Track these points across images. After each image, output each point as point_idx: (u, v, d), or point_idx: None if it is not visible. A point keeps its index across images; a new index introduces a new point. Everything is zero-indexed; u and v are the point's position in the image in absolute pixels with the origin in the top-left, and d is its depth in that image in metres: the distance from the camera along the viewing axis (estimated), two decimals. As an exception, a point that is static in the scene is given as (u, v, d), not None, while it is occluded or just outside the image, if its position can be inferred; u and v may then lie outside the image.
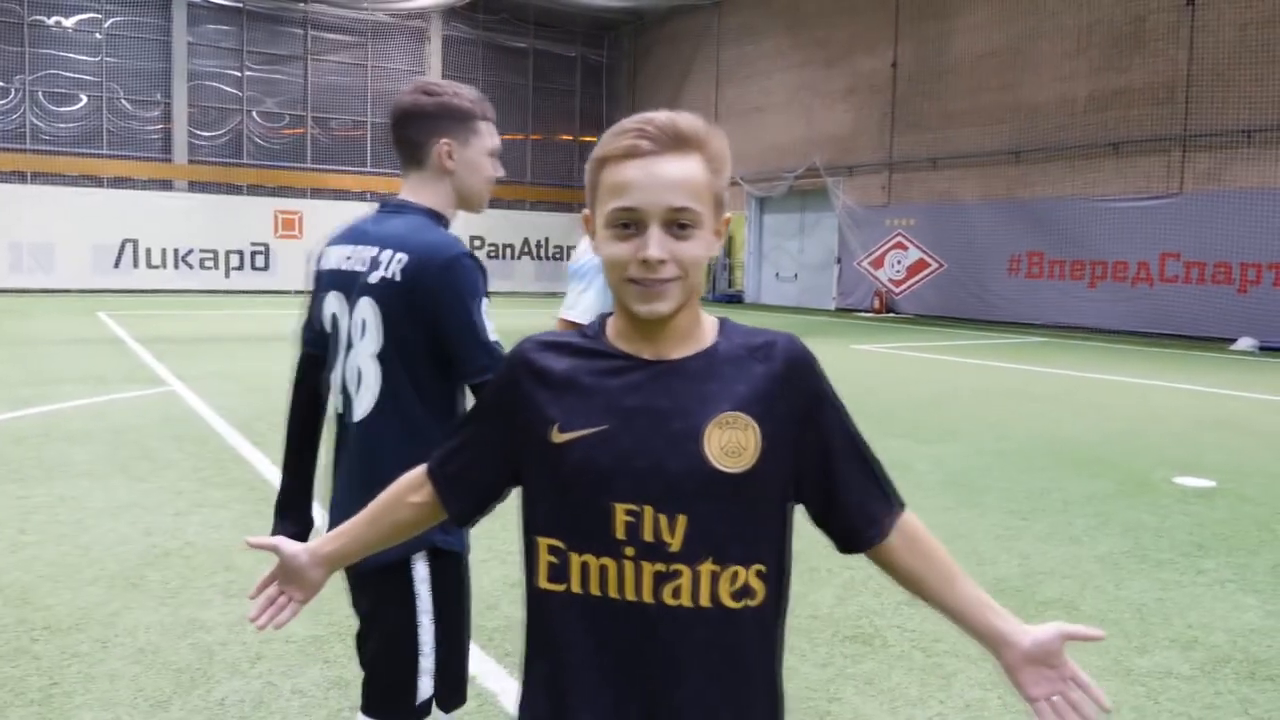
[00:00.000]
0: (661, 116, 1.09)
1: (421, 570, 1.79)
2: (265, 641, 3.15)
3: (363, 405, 1.79)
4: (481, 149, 1.89)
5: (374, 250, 1.78)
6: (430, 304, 1.72)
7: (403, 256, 1.75)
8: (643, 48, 29.65)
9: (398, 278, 1.73)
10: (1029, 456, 6.44)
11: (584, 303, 3.51)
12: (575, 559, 1.09)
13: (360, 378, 1.78)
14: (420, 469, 1.27)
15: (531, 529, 1.14)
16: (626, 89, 29.92)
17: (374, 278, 1.75)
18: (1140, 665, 3.16)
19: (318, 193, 26.50)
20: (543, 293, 28.14)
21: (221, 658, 3.02)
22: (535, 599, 1.14)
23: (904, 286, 21.69)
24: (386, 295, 1.74)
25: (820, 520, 1.18)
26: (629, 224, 1.07)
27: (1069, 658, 1.13)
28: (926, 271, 21.08)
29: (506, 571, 3.92)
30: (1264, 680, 3.06)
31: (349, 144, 27.30)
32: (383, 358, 1.76)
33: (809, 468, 1.14)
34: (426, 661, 1.81)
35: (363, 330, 1.77)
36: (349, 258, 1.82)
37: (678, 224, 1.07)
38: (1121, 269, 17.22)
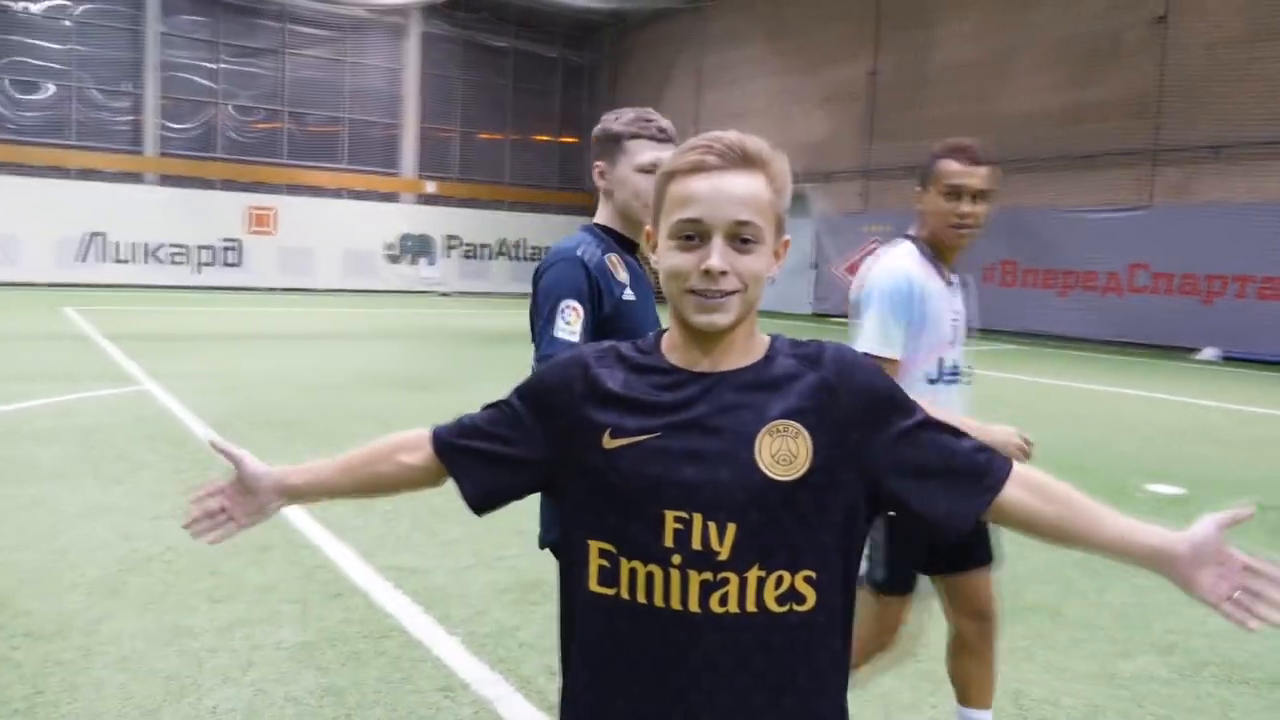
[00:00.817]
0: (730, 135, 1.11)
1: None
2: (255, 648, 3.11)
3: None
4: (629, 166, 1.99)
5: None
6: (536, 298, 1.93)
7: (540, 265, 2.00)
8: (624, 50, 29.64)
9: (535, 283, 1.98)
10: (1006, 464, 6.51)
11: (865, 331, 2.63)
12: (625, 564, 1.09)
13: None
14: (421, 430, 1.25)
15: (581, 532, 1.13)
16: (607, 91, 29.88)
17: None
18: (1124, 669, 3.22)
19: (293, 189, 26.20)
20: (518, 293, 28.03)
21: (211, 665, 2.98)
22: (585, 602, 1.13)
23: (878, 292, 21.87)
24: (531, 300, 1.98)
25: (908, 517, 1.16)
26: (693, 235, 1.09)
27: (1234, 548, 1.09)
28: (901, 278, 21.27)
29: (495, 577, 3.90)
30: (1240, 683, 3.14)
31: (325, 140, 27.01)
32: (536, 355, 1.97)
33: (877, 470, 1.12)
34: None
35: (530, 336, 2.02)
36: None
37: (740, 238, 1.09)
38: (1092, 279, 17.50)
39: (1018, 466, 1.16)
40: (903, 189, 21.36)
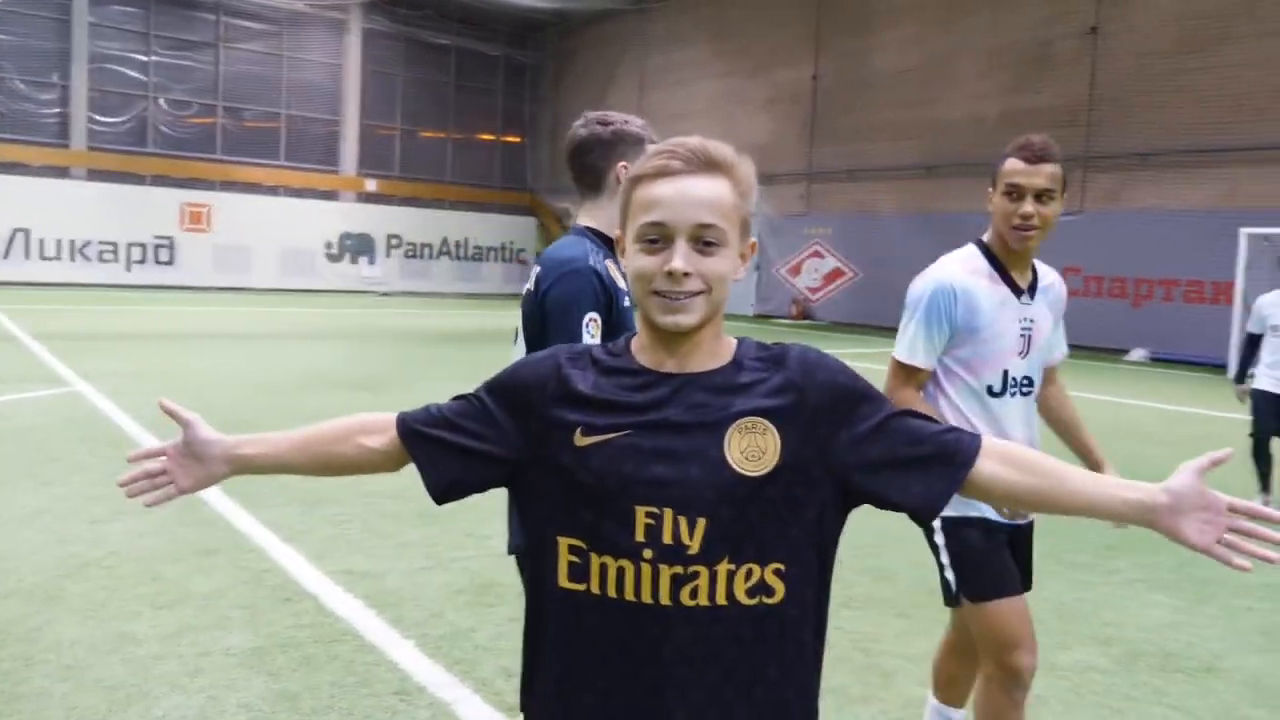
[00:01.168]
0: (693, 141, 1.14)
1: None
2: (204, 655, 3.03)
3: None
4: None
5: (535, 269, 2.02)
6: (546, 309, 1.92)
7: (538, 269, 1.98)
8: (567, 50, 29.57)
9: (532, 287, 1.98)
10: (948, 462, 6.67)
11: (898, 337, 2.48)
12: (595, 560, 1.10)
13: None
14: (385, 415, 1.25)
15: (551, 530, 1.14)
16: (550, 91, 29.80)
17: (525, 291, 2.03)
18: (1063, 660, 3.34)
19: (228, 185, 25.55)
20: (461, 293, 27.78)
21: (157, 673, 2.90)
22: (554, 599, 1.14)
23: (820, 294, 22.22)
24: (526, 305, 1.99)
25: (887, 508, 1.17)
26: (657, 239, 1.11)
27: (1217, 492, 1.10)
28: (842, 280, 21.64)
29: (450, 579, 3.87)
30: (1174, 672, 3.28)
31: (263, 136, 26.40)
32: None
33: (845, 466, 1.14)
34: None
35: (515, 338, 2.05)
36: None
37: (704, 240, 1.11)
38: (1027, 281, 18.04)
39: (988, 440, 1.18)
40: (845, 191, 21.75)
